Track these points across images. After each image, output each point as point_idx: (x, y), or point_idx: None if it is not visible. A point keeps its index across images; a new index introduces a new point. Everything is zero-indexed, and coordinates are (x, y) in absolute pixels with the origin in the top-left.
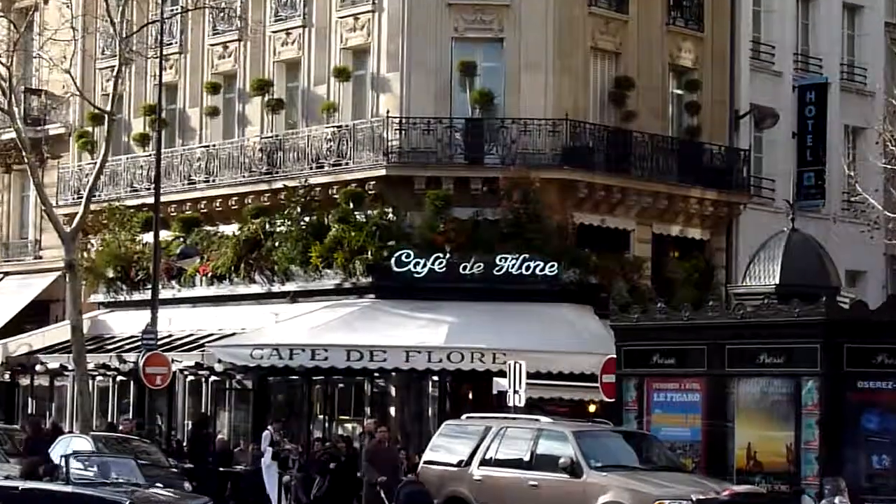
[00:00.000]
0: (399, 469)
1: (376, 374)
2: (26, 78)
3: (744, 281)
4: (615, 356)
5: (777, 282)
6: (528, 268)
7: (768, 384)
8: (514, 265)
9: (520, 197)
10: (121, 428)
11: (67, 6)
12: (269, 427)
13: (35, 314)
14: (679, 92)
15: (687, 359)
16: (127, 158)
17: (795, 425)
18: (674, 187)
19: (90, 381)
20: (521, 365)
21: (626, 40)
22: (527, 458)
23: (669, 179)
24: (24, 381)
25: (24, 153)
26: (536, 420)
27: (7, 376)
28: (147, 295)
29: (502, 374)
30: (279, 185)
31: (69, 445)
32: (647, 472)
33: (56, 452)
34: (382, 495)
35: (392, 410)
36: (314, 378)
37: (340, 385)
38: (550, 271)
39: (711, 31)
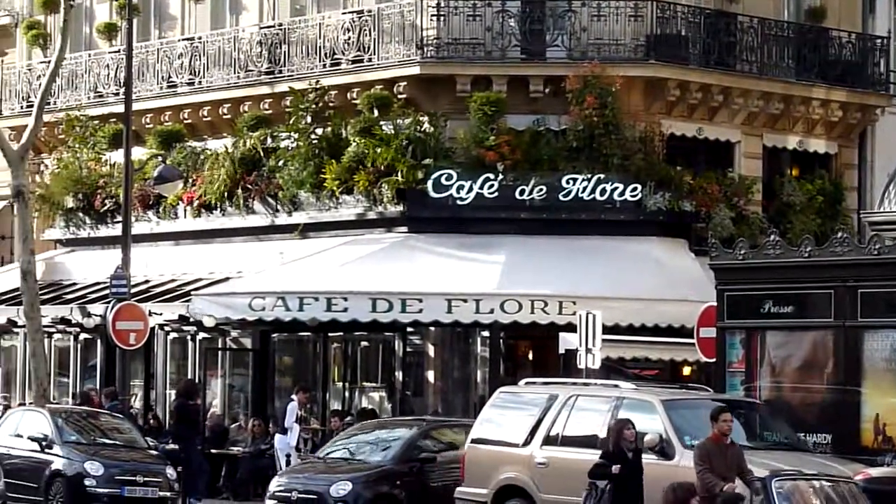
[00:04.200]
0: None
1: (410, 329)
2: None
3: (881, 206)
4: (716, 304)
5: None
6: (603, 191)
7: None
8: (585, 188)
9: (593, 100)
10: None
11: None
12: (293, 397)
13: None
14: None
15: (808, 306)
16: (89, 56)
17: None
18: (791, 86)
19: (45, 340)
20: (594, 316)
21: None
22: (604, 436)
23: (785, 76)
24: None
25: None
26: (616, 386)
27: None
28: (116, 230)
29: (571, 327)
30: (283, 87)
31: (19, 423)
32: (758, 453)
33: (3, 431)
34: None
35: (430, 375)
36: (330, 334)
37: (364, 343)
38: (632, 196)
39: None
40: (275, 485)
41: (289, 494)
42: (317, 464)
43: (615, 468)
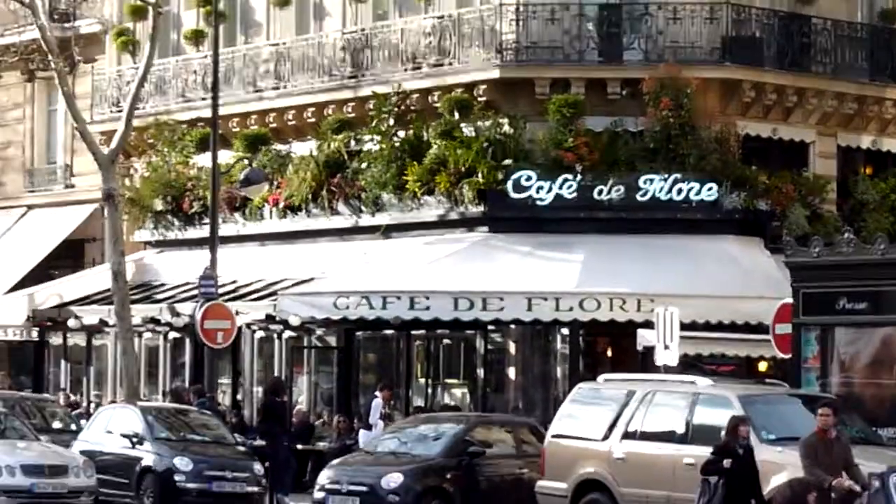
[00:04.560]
0: None
1: (491, 327)
2: None
3: None
4: (791, 301)
5: None
6: (679, 191)
7: None
8: (662, 188)
9: (669, 102)
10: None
11: None
12: (377, 394)
13: (67, 257)
14: None
15: (883, 303)
16: (177, 61)
17: None
18: (864, 87)
19: (136, 339)
20: (672, 313)
21: None
22: (681, 431)
23: (859, 77)
24: (56, 340)
25: (50, 56)
26: (692, 382)
27: (35, 334)
28: (204, 231)
29: (649, 324)
30: (366, 91)
31: (111, 420)
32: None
33: (95, 428)
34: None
35: (511, 372)
36: (413, 332)
37: (446, 341)
38: (709, 195)
39: None
40: (324, 477)
41: (339, 487)
42: (366, 457)
43: (726, 462)
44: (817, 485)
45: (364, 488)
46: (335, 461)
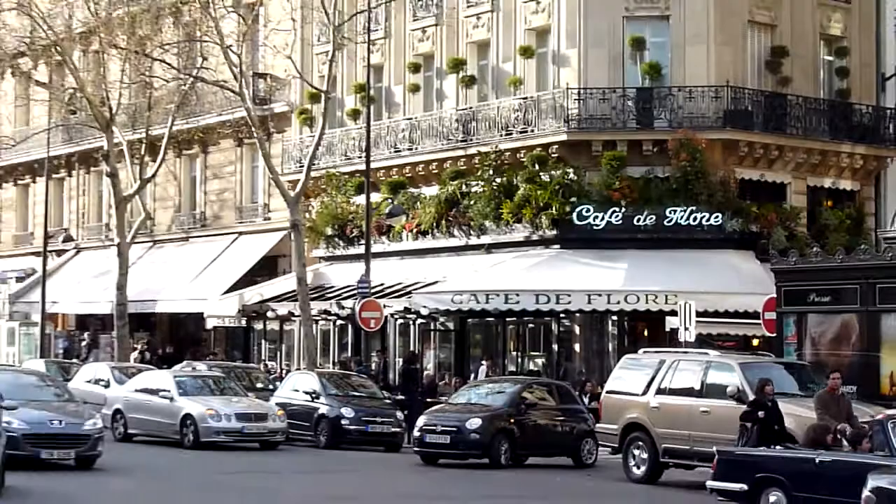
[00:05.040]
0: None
1: (562, 315)
2: (254, 64)
3: (892, 226)
4: (775, 296)
5: None
6: (695, 219)
7: None
8: (682, 217)
9: (687, 156)
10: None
11: (288, 0)
12: (483, 362)
13: (265, 268)
14: (829, 58)
15: (841, 297)
16: (341, 131)
17: None
18: (826, 144)
19: (314, 325)
20: (690, 305)
21: (780, 13)
22: (697, 388)
23: (822, 137)
24: (258, 326)
25: (253, 129)
26: (705, 353)
27: (243, 322)
28: (361, 249)
29: (674, 313)
30: (473, 150)
31: (296, 382)
32: (805, 399)
33: (286, 387)
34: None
35: (577, 347)
36: (507, 319)
37: (530, 325)
38: (715, 221)
39: (858, 1)
40: (421, 422)
41: (434, 427)
42: (452, 407)
43: (760, 413)
44: (831, 428)
45: (453, 428)
46: (430, 409)
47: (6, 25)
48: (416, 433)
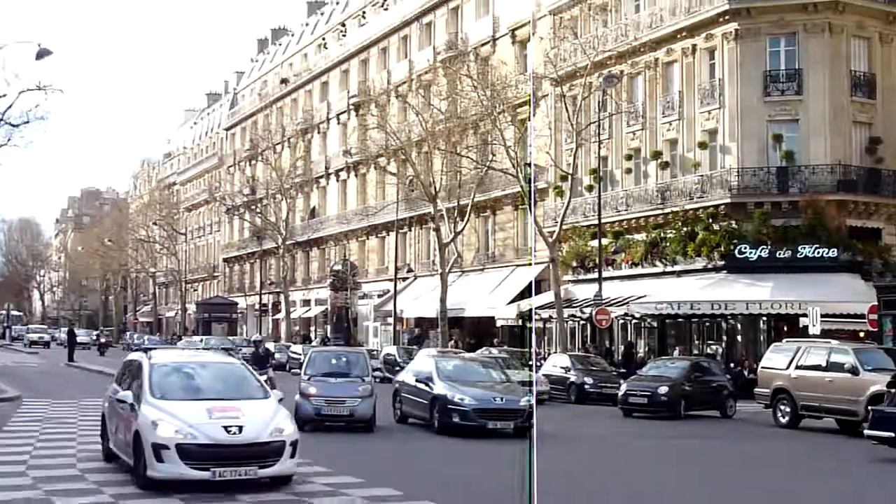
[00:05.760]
0: None
1: (729, 318)
2: (525, 157)
3: None
4: (876, 303)
5: None
6: (818, 253)
7: None
8: (810, 251)
9: (812, 211)
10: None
11: (545, 116)
12: (676, 348)
13: (533, 287)
14: None
15: None
16: (581, 199)
17: None
18: None
19: (565, 324)
20: (816, 310)
21: (875, 115)
22: (824, 364)
23: None
24: (528, 325)
25: (525, 199)
26: (828, 342)
27: (520, 322)
28: (595, 275)
29: (805, 315)
30: (668, 210)
31: (554, 360)
32: None
33: (548, 364)
34: None
35: (738, 338)
36: (692, 320)
37: (707, 324)
38: (833, 254)
39: None
40: (625, 388)
41: (634, 391)
42: (645, 377)
43: None
44: None
45: (648, 392)
46: (629, 378)
47: (371, 138)
48: (620, 395)
